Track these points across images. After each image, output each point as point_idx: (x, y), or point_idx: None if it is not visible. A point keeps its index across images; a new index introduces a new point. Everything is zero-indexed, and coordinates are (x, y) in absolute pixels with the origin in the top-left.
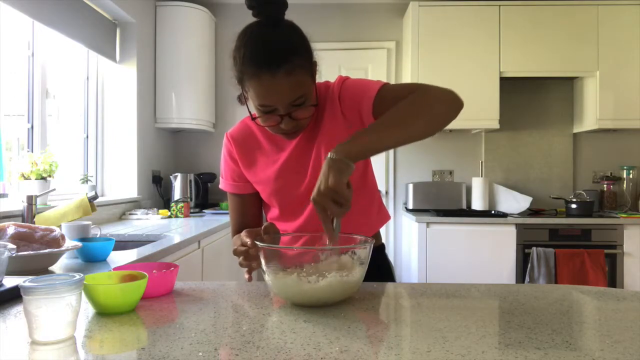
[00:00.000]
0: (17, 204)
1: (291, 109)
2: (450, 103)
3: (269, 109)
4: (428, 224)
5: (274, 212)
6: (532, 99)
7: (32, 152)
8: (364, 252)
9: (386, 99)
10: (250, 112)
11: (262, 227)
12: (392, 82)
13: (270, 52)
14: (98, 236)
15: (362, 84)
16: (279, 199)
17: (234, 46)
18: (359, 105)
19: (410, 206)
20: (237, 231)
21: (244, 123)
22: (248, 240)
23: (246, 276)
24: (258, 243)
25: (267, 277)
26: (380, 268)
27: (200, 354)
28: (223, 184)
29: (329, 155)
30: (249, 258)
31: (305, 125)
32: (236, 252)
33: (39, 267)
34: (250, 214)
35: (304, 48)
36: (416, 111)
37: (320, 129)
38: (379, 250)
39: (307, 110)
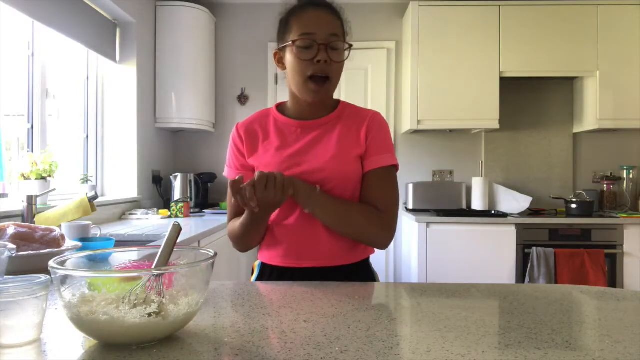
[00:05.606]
0: (17, 204)
1: (328, 42)
2: (377, 239)
3: (310, 37)
4: (428, 224)
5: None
6: (532, 99)
7: (32, 152)
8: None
9: (380, 178)
10: (281, 67)
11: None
12: (392, 82)
13: None
14: (98, 236)
15: (387, 141)
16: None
17: (283, 9)
18: (369, 152)
19: (410, 206)
20: (233, 217)
21: (260, 113)
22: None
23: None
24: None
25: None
26: (365, 280)
27: (201, 354)
28: (227, 172)
29: (314, 190)
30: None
31: (333, 81)
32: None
33: (39, 267)
34: None
35: (344, 19)
36: (361, 226)
37: (340, 134)
38: (364, 262)
39: (340, 55)
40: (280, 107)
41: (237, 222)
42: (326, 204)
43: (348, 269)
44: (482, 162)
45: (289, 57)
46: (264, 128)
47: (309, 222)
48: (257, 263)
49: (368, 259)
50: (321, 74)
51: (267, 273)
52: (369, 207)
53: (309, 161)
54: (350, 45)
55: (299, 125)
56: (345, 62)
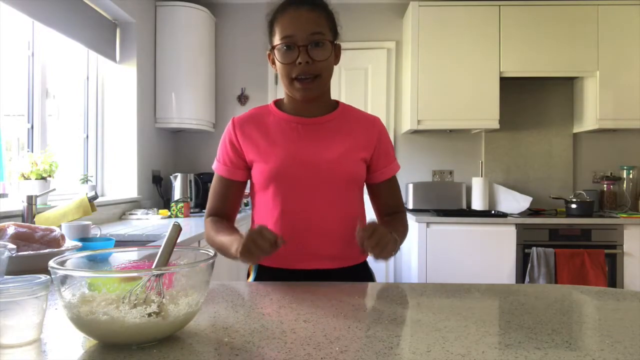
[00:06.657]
0: (17, 204)
1: (309, 42)
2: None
3: (290, 40)
4: (428, 224)
5: (268, 200)
6: (532, 99)
7: (32, 152)
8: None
9: (394, 185)
10: (275, 67)
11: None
12: (392, 82)
13: None
14: (98, 236)
15: (392, 151)
16: (280, 180)
17: (269, 11)
18: (384, 161)
19: (410, 206)
20: (213, 213)
21: (257, 109)
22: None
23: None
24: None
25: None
26: (363, 280)
27: (201, 353)
28: (216, 166)
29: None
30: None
31: (322, 78)
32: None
33: (39, 267)
34: (231, 201)
35: (330, 11)
36: (406, 233)
37: (345, 135)
38: (364, 264)
39: (323, 53)
40: (278, 103)
41: (216, 238)
42: (400, 238)
43: (347, 270)
44: (482, 162)
45: (276, 60)
46: (263, 123)
47: (306, 223)
48: (253, 265)
49: (366, 260)
50: (305, 75)
51: (266, 276)
52: (400, 215)
53: (314, 158)
54: (334, 40)
55: (300, 122)
56: (345, 62)
